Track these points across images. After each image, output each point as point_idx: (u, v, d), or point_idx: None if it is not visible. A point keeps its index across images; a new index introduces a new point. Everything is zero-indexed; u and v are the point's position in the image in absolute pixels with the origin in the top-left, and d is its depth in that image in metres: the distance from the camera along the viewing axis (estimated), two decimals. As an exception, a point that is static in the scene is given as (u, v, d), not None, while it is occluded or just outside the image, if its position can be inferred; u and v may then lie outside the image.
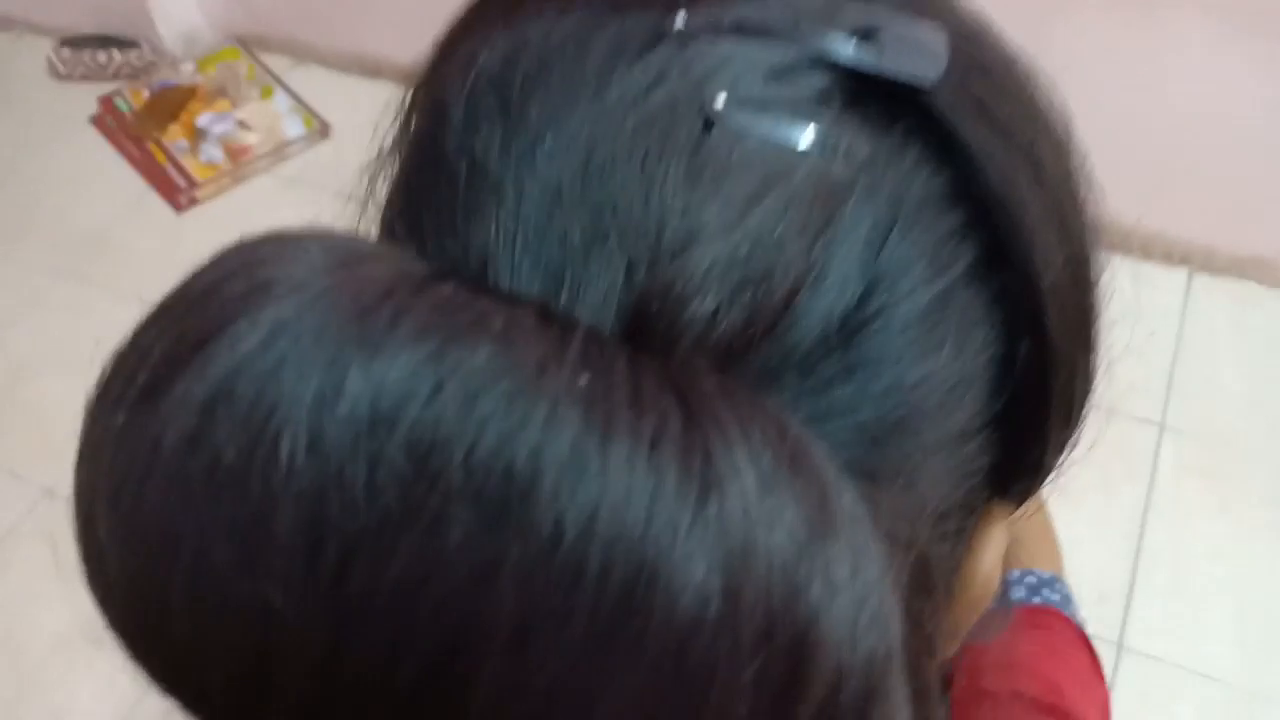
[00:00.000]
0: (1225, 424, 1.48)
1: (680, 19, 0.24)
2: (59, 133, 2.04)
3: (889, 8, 0.25)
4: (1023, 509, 0.29)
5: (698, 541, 0.17)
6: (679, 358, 0.20)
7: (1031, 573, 0.65)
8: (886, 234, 0.23)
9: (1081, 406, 0.29)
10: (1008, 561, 0.68)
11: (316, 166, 1.94)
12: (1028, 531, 0.68)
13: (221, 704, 0.18)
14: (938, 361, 0.24)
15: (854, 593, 0.18)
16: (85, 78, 2.11)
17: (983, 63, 0.26)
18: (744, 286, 0.21)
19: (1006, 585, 0.33)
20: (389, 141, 0.27)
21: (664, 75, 0.23)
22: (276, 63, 2.12)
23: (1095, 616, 0.64)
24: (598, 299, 0.21)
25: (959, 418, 0.25)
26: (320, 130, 1.98)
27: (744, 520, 0.17)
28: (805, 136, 0.23)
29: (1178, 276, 1.65)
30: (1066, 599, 0.65)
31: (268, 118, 2.01)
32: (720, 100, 0.23)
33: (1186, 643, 1.29)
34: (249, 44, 2.15)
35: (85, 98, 2.07)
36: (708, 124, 0.23)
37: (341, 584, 0.17)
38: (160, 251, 1.83)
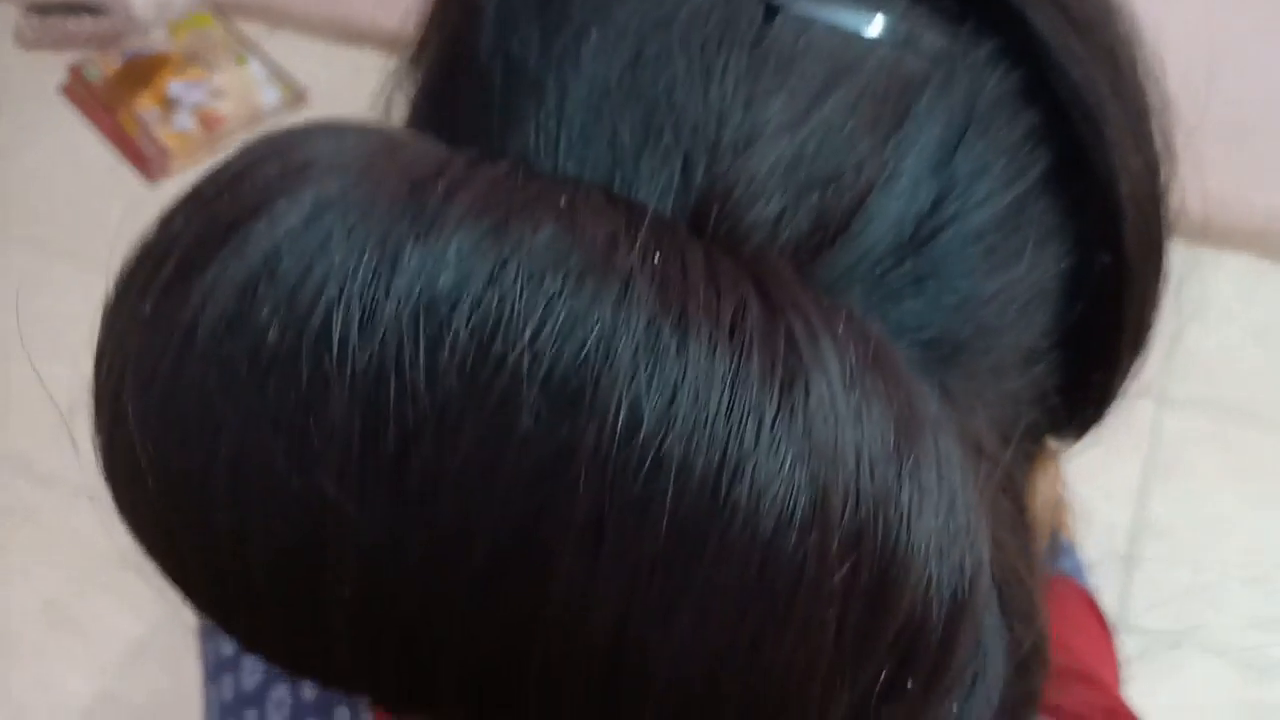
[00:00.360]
0: (1227, 394, 1.47)
1: None
2: (28, 102, 2.00)
3: None
4: (1085, 439, 0.27)
5: (784, 434, 0.15)
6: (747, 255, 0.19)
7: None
8: (961, 134, 0.21)
9: (1150, 329, 0.27)
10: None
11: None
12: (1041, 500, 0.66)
13: (267, 603, 0.17)
14: (1011, 275, 0.22)
15: (942, 499, 0.17)
16: (55, 45, 2.07)
17: None
18: (811, 187, 0.20)
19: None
20: (408, 53, 0.26)
21: None
22: (251, 29, 2.08)
23: (1097, 588, 0.63)
24: (651, 202, 0.20)
25: (1030, 336, 0.23)
26: (297, 98, 1.94)
27: (831, 414, 0.16)
28: (874, 25, 0.21)
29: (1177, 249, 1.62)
30: (1078, 567, 0.64)
31: (242, 85, 1.97)
32: None
33: (1191, 615, 1.28)
34: (223, 10, 2.11)
35: (54, 66, 2.02)
36: (770, 11, 0.21)
37: (401, 473, 0.16)
38: (131, 222, 1.79)
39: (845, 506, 0.16)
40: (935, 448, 0.17)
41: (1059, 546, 0.32)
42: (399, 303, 0.16)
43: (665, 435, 0.15)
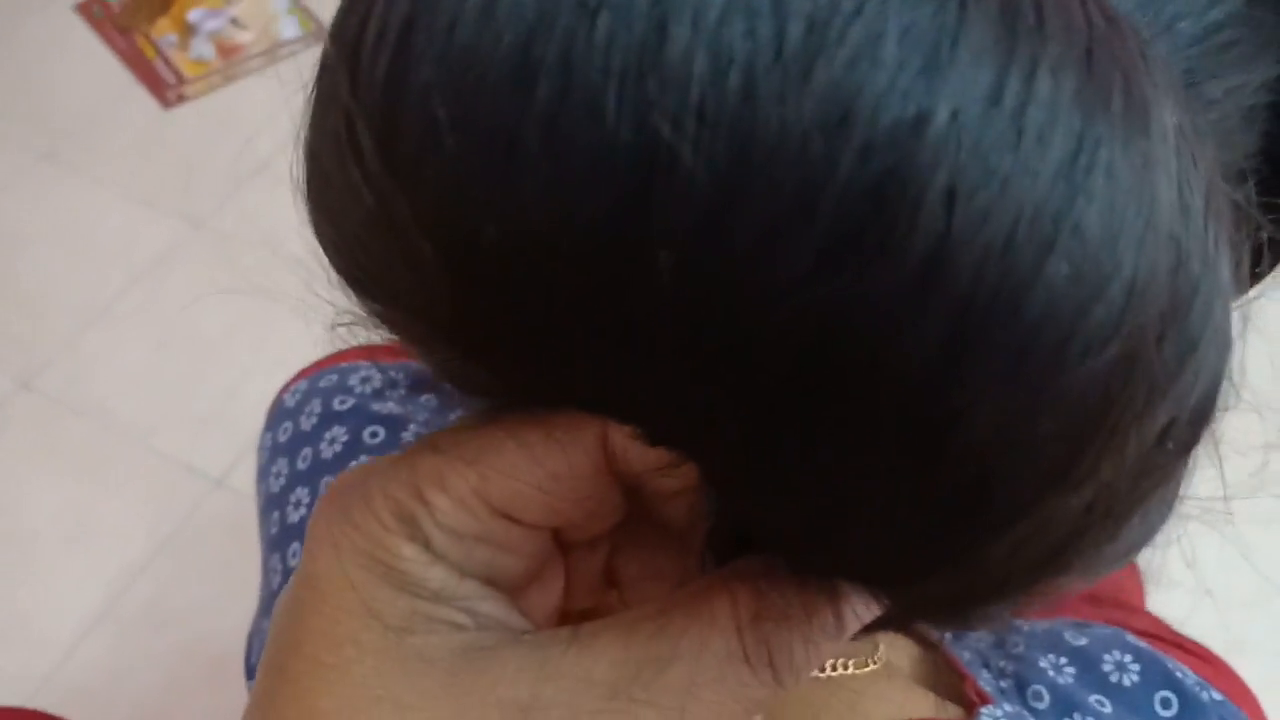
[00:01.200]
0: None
1: None
2: (43, 21, 1.97)
3: None
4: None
5: (1132, 181, 0.15)
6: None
7: None
8: None
9: None
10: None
11: (311, 69, 1.89)
12: None
13: (571, 277, 0.15)
14: (1233, 79, 0.21)
15: (1228, 286, 0.17)
16: (71, -36, 2.04)
17: None
18: None
19: None
20: None
21: None
22: (273, -40, 2.05)
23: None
24: None
25: (1241, 150, 0.23)
26: (317, 33, 1.93)
27: (1177, 187, 0.15)
28: None
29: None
30: None
31: (263, 16, 1.95)
32: None
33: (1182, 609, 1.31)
34: (245, -62, 2.08)
35: (71, -15, 2.00)
36: None
37: (743, 121, 0.14)
38: (144, 145, 1.78)
39: (1172, 272, 0.15)
40: (1223, 235, 0.16)
41: None
42: None
43: (1023, 113, 0.14)
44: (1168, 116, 0.15)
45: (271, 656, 0.21)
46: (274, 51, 1.90)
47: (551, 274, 0.16)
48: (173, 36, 1.91)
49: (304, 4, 1.97)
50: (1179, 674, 0.36)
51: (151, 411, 1.46)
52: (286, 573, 0.43)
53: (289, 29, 1.93)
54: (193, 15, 1.94)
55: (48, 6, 1.98)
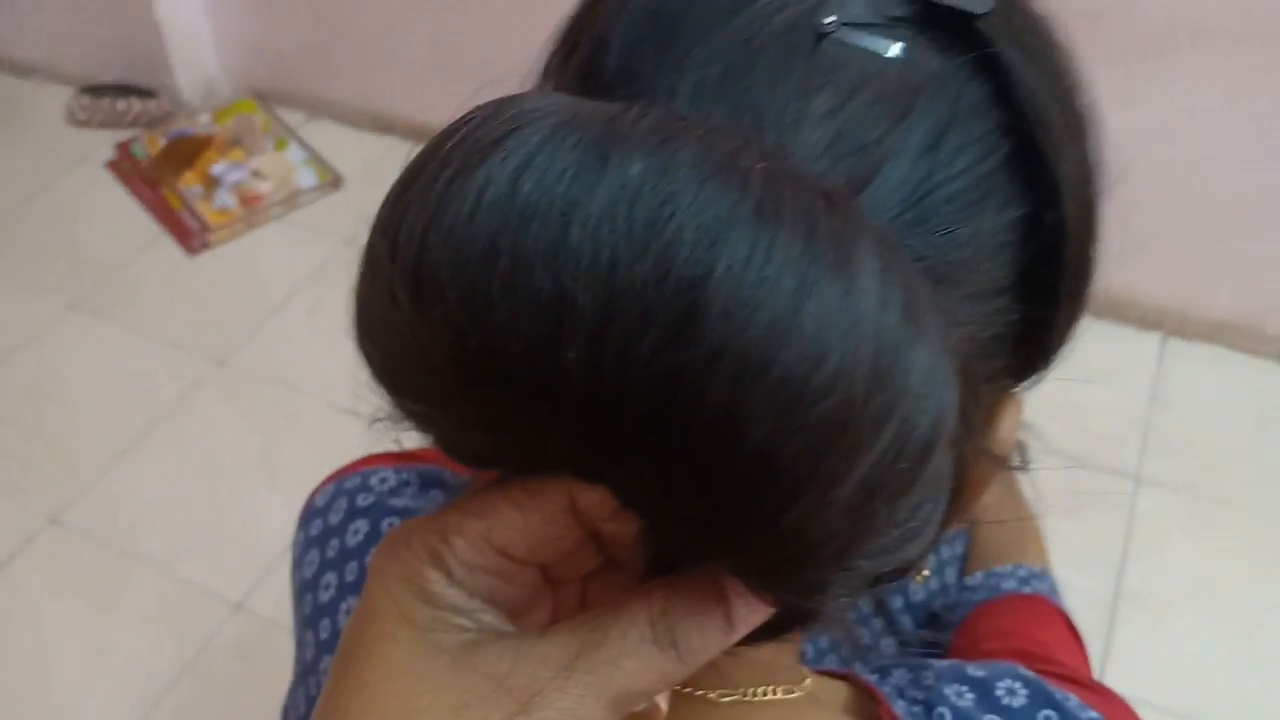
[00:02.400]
0: (1200, 477, 1.55)
1: None
2: (75, 176, 2.10)
3: None
4: (1034, 380, 0.36)
5: (841, 302, 0.23)
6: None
7: (1022, 566, 0.72)
8: (948, 125, 0.30)
9: (1086, 285, 0.36)
10: (1004, 558, 0.74)
11: (328, 215, 2.01)
12: (1020, 535, 0.75)
13: (520, 369, 0.25)
14: (981, 224, 0.31)
15: (935, 356, 0.24)
16: (103, 125, 2.18)
17: (1020, 7, 0.34)
18: (844, 155, 0.29)
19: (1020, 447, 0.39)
20: (547, 61, 0.34)
21: (785, 3, 0.30)
22: (292, 116, 2.20)
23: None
24: None
25: (996, 274, 0.32)
26: (333, 181, 2.06)
27: (872, 293, 0.24)
28: (893, 49, 0.30)
29: (1152, 339, 1.73)
30: (1053, 589, 0.71)
31: (282, 168, 2.08)
32: (830, 20, 0.30)
33: (1167, 685, 1.34)
34: (265, 97, 2.23)
35: (102, 144, 2.14)
36: (819, 37, 0.30)
37: (610, 280, 0.23)
38: (172, 290, 1.89)
39: (874, 353, 0.23)
40: (931, 325, 0.24)
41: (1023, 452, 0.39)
42: (610, 186, 0.23)
43: (763, 289, 0.22)
44: (870, 261, 0.24)
45: (339, 649, 0.31)
46: (293, 200, 2.02)
47: (512, 370, 0.25)
48: (197, 188, 2.04)
49: (320, 156, 2.11)
50: (1060, 697, 0.43)
51: (174, 540, 1.53)
52: (319, 645, 0.50)
53: (306, 179, 2.06)
54: (216, 169, 2.07)
55: (80, 165, 2.12)
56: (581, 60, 0.33)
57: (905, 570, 0.29)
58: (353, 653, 0.30)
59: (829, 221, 0.24)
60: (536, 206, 0.24)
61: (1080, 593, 0.75)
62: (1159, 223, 1.62)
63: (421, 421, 0.29)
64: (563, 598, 0.32)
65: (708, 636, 0.29)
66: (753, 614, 0.29)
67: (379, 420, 0.30)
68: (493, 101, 0.26)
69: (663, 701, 0.31)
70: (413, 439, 0.33)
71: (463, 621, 0.29)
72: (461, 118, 0.26)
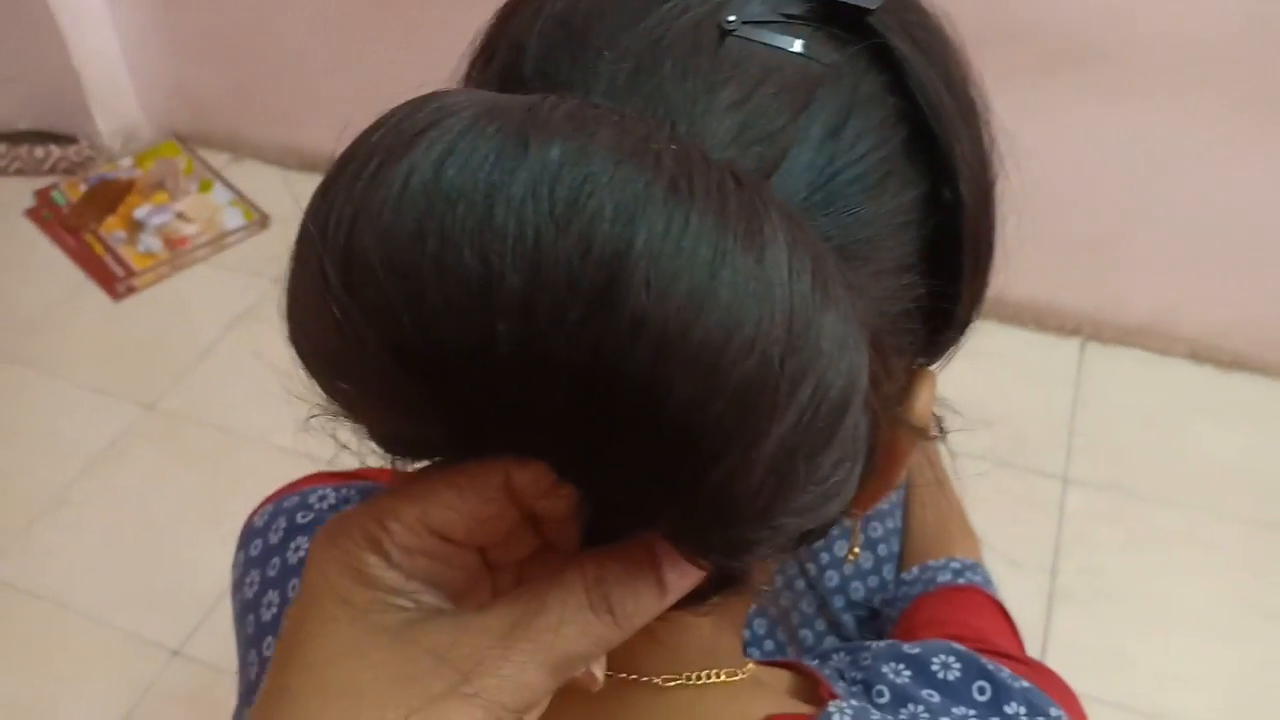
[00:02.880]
0: (1125, 475, 1.60)
1: None
2: (-8, 225, 2.06)
3: None
4: (945, 359, 0.38)
5: (752, 274, 0.25)
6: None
7: (955, 559, 0.74)
8: (848, 112, 0.32)
9: (987, 261, 0.38)
10: (938, 552, 0.77)
11: (256, 255, 1.99)
12: (953, 529, 0.77)
13: (453, 344, 0.26)
14: (884, 205, 0.33)
15: (843, 328, 0.26)
16: (20, 172, 2.14)
17: (911, 5, 0.36)
18: (751, 143, 0.31)
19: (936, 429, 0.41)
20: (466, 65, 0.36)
21: (690, 5, 0.32)
22: (215, 158, 2.18)
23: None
24: None
25: (900, 251, 0.34)
26: (260, 221, 2.04)
27: (780, 264, 0.25)
28: (794, 44, 0.32)
29: (1071, 345, 1.79)
30: (987, 580, 0.74)
31: (207, 210, 2.06)
32: (732, 19, 0.32)
33: (1105, 677, 1.37)
34: (188, 140, 2.21)
35: (21, 192, 2.10)
36: (723, 35, 0.32)
37: (540, 253, 0.25)
38: (99, 336, 1.86)
39: (788, 317, 0.24)
40: (839, 294, 0.26)
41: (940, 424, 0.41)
42: (531, 169, 0.25)
43: (675, 259, 0.24)
44: (780, 233, 0.26)
45: (281, 634, 0.31)
46: (220, 241, 2.00)
47: (444, 345, 0.26)
48: (121, 233, 2.01)
49: (246, 197, 2.09)
50: (993, 668, 0.45)
51: (109, 590, 1.50)
52: (263, 663, 0.50)
53: (233, 219, 2.04)
54: (139, 213, 2.05)
55: (-1, 215, 2.08)
56: (500, 66, 0.34)
57: (827, 528, 0.31)
58: (295, 637, 0.30)
59: (739, 197, 0.25)
60: (461, 189, 0.25)
61: (1017, 592, 0.77)
62: (1073, 232, 1.68)
63: (354, 410, 0.30)
64: (501, 582, 0.33)
65: (642, 601, 0.30)
66: (684, 578, 0.30)
67: (314, 416, 0.31)
68: (415, 98, 0.28)
69: (597, 670, 0.32)
70: (349, 460, 0.34)
71: (402, 602, 0.30)
72: (385, 114, 0.28)
